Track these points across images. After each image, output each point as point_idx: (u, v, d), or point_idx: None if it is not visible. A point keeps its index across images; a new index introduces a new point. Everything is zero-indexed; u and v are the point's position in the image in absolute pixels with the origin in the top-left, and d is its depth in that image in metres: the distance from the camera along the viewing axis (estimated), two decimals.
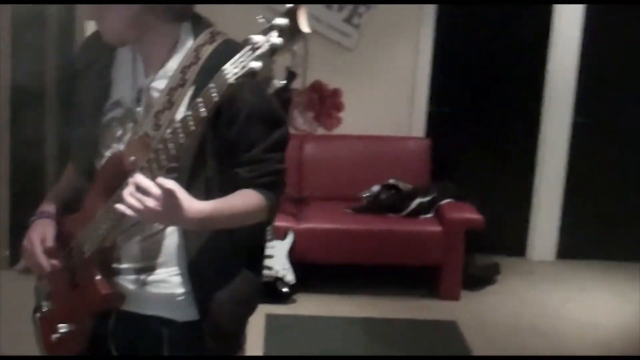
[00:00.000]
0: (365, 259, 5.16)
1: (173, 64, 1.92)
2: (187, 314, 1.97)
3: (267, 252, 4.67)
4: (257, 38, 1.60)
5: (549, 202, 5.98)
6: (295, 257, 4.94)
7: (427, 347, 4.50)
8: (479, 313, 5.01)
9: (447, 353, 4.45)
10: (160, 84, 1.92)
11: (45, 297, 2.13)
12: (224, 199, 1.86)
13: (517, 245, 6.06)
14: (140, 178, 1.72)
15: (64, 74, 4.42)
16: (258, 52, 1.59)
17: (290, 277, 4.92)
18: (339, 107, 5.74)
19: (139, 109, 1.95)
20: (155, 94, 1.92)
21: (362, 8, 5.66)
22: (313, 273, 5.11)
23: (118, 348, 2.03)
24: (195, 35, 1.94)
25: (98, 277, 1.95)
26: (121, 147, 1.94)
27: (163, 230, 1.94)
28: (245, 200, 1.90)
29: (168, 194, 1.70)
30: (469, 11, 5.77)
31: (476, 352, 4.40)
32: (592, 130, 5.90)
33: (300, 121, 5.56)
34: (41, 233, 2.04)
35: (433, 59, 5.80)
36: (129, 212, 1.73)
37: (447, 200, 5.36)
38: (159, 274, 1.96)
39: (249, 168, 1.92)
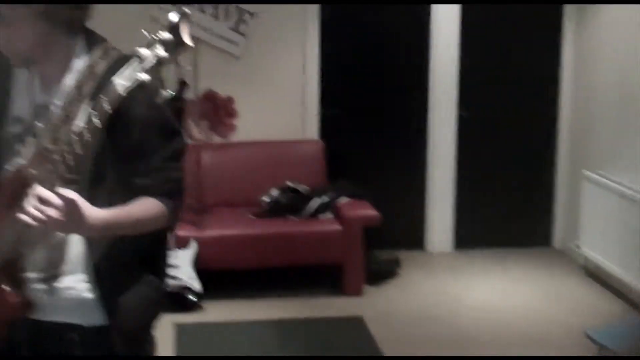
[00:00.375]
0: (270, 262, 5.23)
1: (69, 81, 1.96)
2: (95, 318, 2.01)
3: (172, 262, 4.72)
4: (144, 51, 1.68)
5: (442, 195, 6.19)
6: (200, 266, 4.97)
7: (336, 344, 4.61)
8: (383, 307, 5.15)
9: (355, 348, 4.56)
10: (57, 100, 1.96)
11: None
12: (123, 207, 1.91)
13: (415, 239, 6.24)
14: (41, 189, 1.75)
15: None
16: (145, 64, 1.66)
17: (196, 285, 4.93)
18: (232, 114, 5.78)
19: (38, 124, 1.97)
20: (53, 110, 1.95)
21: (247, 15, 5.73)
22: (219, 280, 5.14)
23: (32, 356, 2.05)
24: (90, 50, 1.99)
25: (6, 287, 1.97)
26: (21, 161, 1.96)
27: (66, 239, 1.98)
28: (144, 207, 1.95)
29: (69, 203, 1.74)
30: (353, 14, 5.93)
31: (383, 345, 4.52)
32: (475, 122, 6.15)
33: (195, 131, 5.57)
34: None
35: (321, 62, 5.93)
36: (32, 222, 1.75)
37: (345, 199, 5.48)
38: (66, 281, 1.99)
39: (147, 177, 1.97)
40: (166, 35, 1.67)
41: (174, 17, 1.70)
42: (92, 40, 2.01)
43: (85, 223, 1.78)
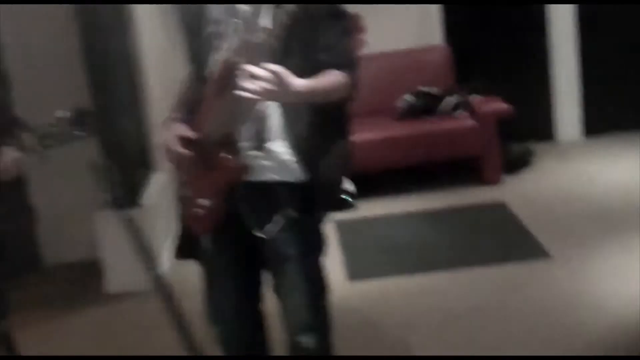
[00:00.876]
0: (413, 160, 5.64)
1: None
2: (299, 176, 2.47)
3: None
4: None
5: (568, 84, 6.41)
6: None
7: (485, 228, 4.99)
8: (522, 192, 5.49)
9: (503, 230, 4.91)
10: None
11: (183, 185, 2.64)
12: (316, 78, 2.34)
13: (545, 130, 6.49)
14: (253, 68, 2.20)
15: None
16: None
17: (350, 186, 5.39)
18: (362, 30, 6.13)
19: (236, 20, 2.43)
20: (243, 9, 2.41)
21: None
22: (369, 180, 5.58)
23: (246, 213, 2.53)
24: None
25: (227, 156, 2.47)
26: (223, 54, 2.42)
27: (268, 112, 2.44)
28: (332, 78, 2.39)
29: (277, 74, 2.18)
30: None
31: (530, 225, 4.85)
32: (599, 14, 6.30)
33: None
34: (176, 133, 2.56)
35: None
36: (250, 96, 2.20)
37: (476, 97, 5.81)
38: (272, 146, 2.46)
39: (328, 53, 2.39)
40: None
41: None
42: None
43: (291, 90, 2.23)
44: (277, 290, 2.62)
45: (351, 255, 4.72)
